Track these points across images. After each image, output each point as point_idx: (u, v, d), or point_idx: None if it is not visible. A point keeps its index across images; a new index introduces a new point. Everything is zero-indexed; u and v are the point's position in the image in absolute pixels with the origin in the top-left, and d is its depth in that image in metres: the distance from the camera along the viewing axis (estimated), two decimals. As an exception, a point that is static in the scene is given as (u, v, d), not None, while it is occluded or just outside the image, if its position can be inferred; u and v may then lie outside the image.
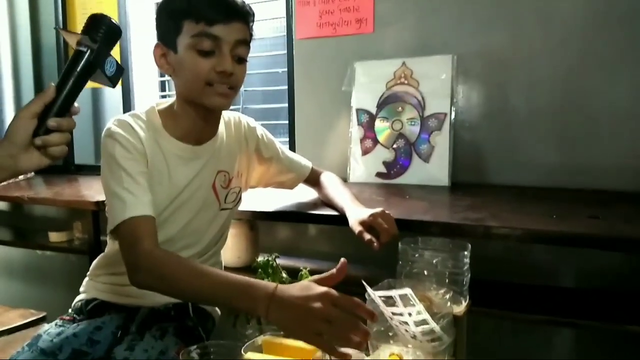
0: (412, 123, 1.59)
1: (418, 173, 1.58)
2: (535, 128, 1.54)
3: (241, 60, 1.14)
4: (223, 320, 1.35)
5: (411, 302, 0.94)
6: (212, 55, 1.10)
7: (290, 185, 1.47)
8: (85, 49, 0.86)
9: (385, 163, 1.63)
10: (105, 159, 1.12)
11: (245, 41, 1.14)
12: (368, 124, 1.67)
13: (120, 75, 0.92)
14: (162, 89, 2.44)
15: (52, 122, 0.84)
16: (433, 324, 0.94)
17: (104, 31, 0.87)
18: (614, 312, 1.23)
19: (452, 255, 1.08)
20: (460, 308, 1.07)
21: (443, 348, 0.96)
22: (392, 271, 1.10)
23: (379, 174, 1.64)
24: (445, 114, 1.55)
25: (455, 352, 1.00)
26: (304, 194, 1.51)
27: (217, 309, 1.34)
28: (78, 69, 0.86)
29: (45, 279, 2.52)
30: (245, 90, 2.19)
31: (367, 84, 1.68)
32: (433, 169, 1.55)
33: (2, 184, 2.17)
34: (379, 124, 1.65)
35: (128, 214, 1.05)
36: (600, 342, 1.45)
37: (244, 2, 1.14)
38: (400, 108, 1.62)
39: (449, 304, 1.00)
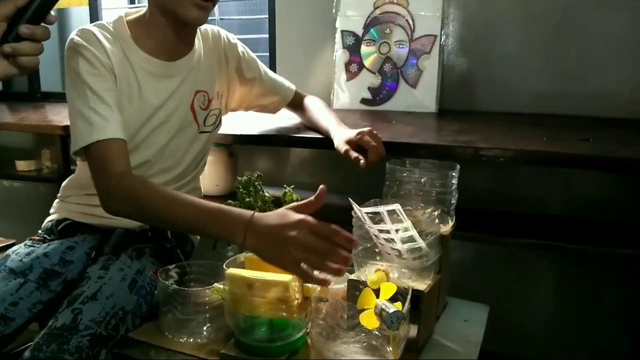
0: (400, 46, 1.52)
1: (405, 99, 1.52)
2: (529, 55, 1.48)
3: None
4: (202, 244, 1.31)
5: (399, 218, 0.91)
6: None
7: (273, 109, 1.40)
8: None
9: (370, 89, 1.57)
10: (69, 74, 1.03)
11: None
12: (354, 47, 1.59)
13: None
14: (132, 1, 2.27)
15: (24, 28, 0.74)
16: (419, 241, 0.92)
17: None
18: (600, 236, 1.23)
19: (440, 174, 1.06)
20: (446, 227, 1.05)
21: (428, 264, 0.95)
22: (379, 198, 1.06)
23: (364, 100, 1.58)
24: (435, 37, 1.48)
25: (440, 270, 0.99)
26: (286, 118, 1.44)
27: (195, 232, 1.29)
28: None
29: (14, 209, 2.44)
30: (221, 19, 2.06)
31: (354, 4, 1.58)
32: (420, 94, 1.50)
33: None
34: (365, 47, 1.57)
35: (96, 137, 0.98)
36: (584, 267, 1.47)
37: None
38: (388, 30, 1.54)
39: (436, 221, 0.97)
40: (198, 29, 1.19)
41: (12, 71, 0.77)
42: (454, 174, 1.07)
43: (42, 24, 0.77)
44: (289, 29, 1.78)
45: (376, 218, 0.91)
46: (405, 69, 1.52)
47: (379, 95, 1.55)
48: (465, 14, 1.53)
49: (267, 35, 1.84)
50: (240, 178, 1.10)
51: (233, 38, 1.28)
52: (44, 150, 2.04)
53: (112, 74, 1.05)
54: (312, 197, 0.84)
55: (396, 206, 0.89)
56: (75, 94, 1.01)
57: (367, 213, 0.91)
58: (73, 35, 1.04)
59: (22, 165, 2.03)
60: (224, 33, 1.27)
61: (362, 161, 1.07)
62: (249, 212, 0.86)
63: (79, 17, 2.25)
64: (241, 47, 1.29)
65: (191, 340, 0.95)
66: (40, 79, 2.38)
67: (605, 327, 1.47)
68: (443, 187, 1.05)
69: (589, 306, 1.49)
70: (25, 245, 1.15)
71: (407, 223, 0.91)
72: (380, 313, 0.77)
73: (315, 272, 0.80)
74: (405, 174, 1.06)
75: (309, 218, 0.80)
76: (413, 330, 0.90)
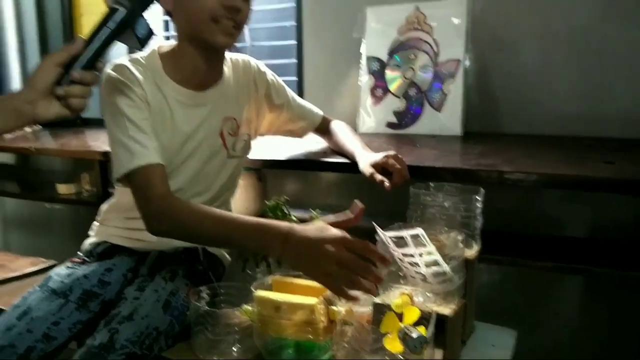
0: (425, 70, 1.55)
1: (430, 122, 1.54)
2: (552, 76, 1.49)
3: None
4: (233, 266, 1.35)
5: (422, 243, 0.93)
6: None
7: (301, 134, 1.45)
8: (120, 7, 0.87)
9: (396, 113, 1.60)
10: (107, 107, 1.10)
11: None
12: (379, 72, 1.62)
13: (150, 38, 0.92)
14: (166, 28, 2.37)
15: (76, 73, 0.84)
16: (444, 265, 0.94)
17: None
18: (627, 258, 1.22)
19: (464, 198, 1.07)
20: (471, 251, 1.06)
21: (453, 289, 0.96)
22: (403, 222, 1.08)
23: (389, 124, 1.61)
24: (459, 61, 1.50)
25: (465, 295, 1.00)
26: (312, 143, 1.48)
27: (226, 255, 1.34)
28: (110, 26, 0.87)
29: (54, 231, 2.55)
30: (252, 45, 2.13)
31: (379, 30, 1.63)
32: (445, 118, 1.52)
33: (16, 133, 2.17)
34: (390, 72, 1.61)
35: (136, 163, 1.04)
36: (611, 290, 1.45)
37: None
38: (412, 55, 1.57)
39: (460, 245, 0.99)
40: (228, 58, 1.24)
41: (63, 112, 0.85)
42: (478, 197, 1.08)
43: (93, 70, 0.85)
44: (316, 54, 1.84)
45: (400, 242, 0.94)
46: (430, 93, 1.54)
47: (404, 119, 1.58)
48: (489, 38, 1.55)
49: (295, 61, 1.90)
50: (268, 202, 1.14)
51: (262, 66, 1.33)
52: (84, 174, 2.13)
53: (146, 104, 1.11)
54: (351, 214, 0.88)
55: (419, 230, 0.91)
56: (114, 125, 1.08)
57: (390, 237, 0.94)
58: (108, 70, 1.10)
59: (62, 188, 2.13)
60: (254, 62, 1.32)
61: (386, 184, 1.10)
62: (286, 224, 0.90)
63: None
64: (270, 75, 1.34)
65: (220, 360, 0.98)
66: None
67: (634, 351, 1.44)
68: (467, 212, 1.06)
69: (616, 329, 1.46)
70: (66, 266, 1.21)
71: (431, 247, 0.93)
72: (403, 337, 0.78)
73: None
74: (429, 198, 1.07)
75: (346, 235, 0.84)
76: (438, 354, 0.91)
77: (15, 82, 2.74)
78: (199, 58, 1.15)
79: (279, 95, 1.35)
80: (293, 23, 1.89)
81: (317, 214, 1.10)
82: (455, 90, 1.51)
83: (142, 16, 0.90)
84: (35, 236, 2.65)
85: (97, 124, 2.40)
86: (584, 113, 1.46)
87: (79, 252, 1.27)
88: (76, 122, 2.50)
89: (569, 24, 1.47)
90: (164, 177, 1.06)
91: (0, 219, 2.71)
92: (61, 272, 1.18)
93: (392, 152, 1.16)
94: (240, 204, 1.63)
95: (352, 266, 0.82)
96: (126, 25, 0.88)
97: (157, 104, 1.13)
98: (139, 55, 1.16)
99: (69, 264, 1.22)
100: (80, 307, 1.12)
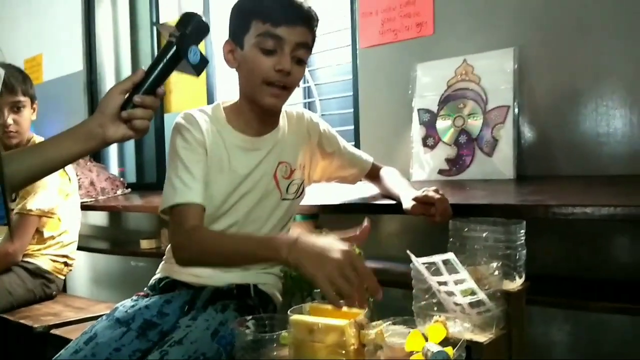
0: (474, 118, 1.58)
1: (481, 167, 1.55)
2: (605, 116, 1.46)
3: (300, 62, 1.23)
4: (284, 306, 1.39)
5: (455, 269, 0.93)
6: (274, 54, 1.19)
7: (352, 180, 1.51)
8: (174, 40, 1.00)
9: (447, 160, 1.62)
10: (170, 148, 1.25)
11: (307, 44, 1.23)
12: (429, 122, 1.68)
13: (204, 66, 1.05)
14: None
15: (137, 98, 0.97)
16: (479, 292, 0.92)
17: (193, 26, 1.00)
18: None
19: (505, 229, 1.06)
20: (514, 284, 1.03)
21: (490, 318, 0.93)
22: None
23: (441, 171, 1.63)
24: (509, 107, 1.52)
25: (509, 328, 0.96)
26: (363, 189, 1.53)
27: (277, 294, 1.38)
28: (166, 56, 0.99)
29: (137, 285, 2.73)
30: (322, 115, 2.31)
31: (429, 84, 1.70)
32: (497, 162, 1.52)
33: (108, 194, 2.41)
34: (440, 122, 1.66)
35: (177, 200, 1.17)
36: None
37: (310, 8, 1.23)
38: (461, 104, 1.62)
39: (496, 273, 0.97)
40: (284, 111, 1.37)
41: (129, 133, 0.98)
42: (519, 229, 1.06)
43: (153, 95, 0.98)
44: (370, 107, 1.94)
45: (432, 268, 0.94)
46: (480, 139, 1.56)
47: (455, 165, 1.60)
48: (538, 83, 1.56)
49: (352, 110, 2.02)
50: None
51: (315, 117, 1.44)
52: (163, 229, 2.32)
53: (203, 149, 1.24)
54: (358, 232, 0.93)
55: (450, 255, 0.92)
56: (170, 164, 1.23)
57: (423, 263, 0.95)
58: (178, 117, 1.26)
59: (145, 243, 2.32)
60: (307, 114, 1.43)
61: (428, 216, 1.13)
62: (295, 235, 0.99)
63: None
64: (323, 125, 1.44)
65: (262, 386, 1.01)
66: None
67: None
68: (508, 242, 1.05)
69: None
70: (131, 299, 1.32)
71: (464, 273, 0.92)
72: (426, 354, 0.78)
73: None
74: (468, 230, 1.07)
75: (354, 252, 0.91)
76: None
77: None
78: (254, 113, 1.28)
79: (330, 143, 1.44)
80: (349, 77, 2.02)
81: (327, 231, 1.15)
82: (505, 135, 1.52)
83: (196, 47, 1.01)
84: (121, 290, 2.86)
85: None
86: (638, 151, 1.40)
87: (145, 288, 1.38)
88: (162, 186, 2.75)
89: (619, 62, 1.45)
90: (198, 215, 1.18)
91: (91, 275, 2.96)
92: (126, 303, 1.29)
93: (432, 187, 1.18)
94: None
95: (351, 280, 0.88)
96: (180, 55, 0.99)
97: (216, 149, 1.26)
98: (206, 107, 1.32)
99: (135, 297, 1.33)
100: (140, 335, 1.20)
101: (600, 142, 1.46)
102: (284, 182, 1.34)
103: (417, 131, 1.70)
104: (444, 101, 1.66)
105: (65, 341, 1.69)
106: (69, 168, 2.17)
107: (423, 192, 1.18)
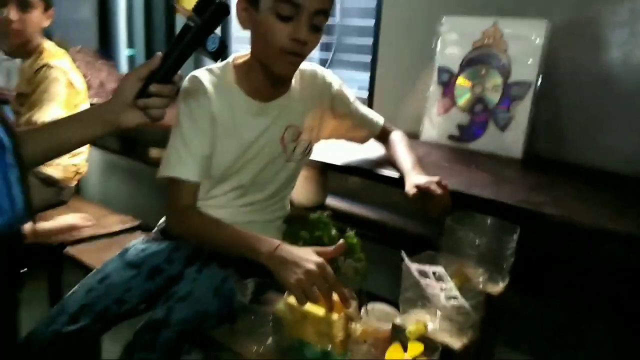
0: (494, 89, 1.54)
1: (491, 141, 1.54)
2: (628, 110, 1.42)
3: (317, 29, 1.17)
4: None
5: (443, 280, 0.99)
6: (290, 21, 1.14)
7: (361, 141, 1.53)
8: (192, 24, 0.95)
9: (459, 126, 1.61)
10: (177, 109, 1.25)
11: (325, 11, 1.17)
12: (448, 83, 1.63)
13: (222, 51, 1.02)
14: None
15: (153, 87, 0.96)
16: (462, 301, 1.00)
17: (212, 10, 0.94)
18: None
19: (499, 236, 1.10)
20: (496, 288, 1.10)
21: (470, 325, 1.02)
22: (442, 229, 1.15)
23: (451, 137, 1.63)
24: (531, 83, 1.47)
25: (485, 330, 1.05)
26: (372, 150, 1.54)
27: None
28: (183, 42, 0.96)
29: (143, 189, 2.85)
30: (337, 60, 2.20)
31: (453, 42, 1.62)
32: (508, 139, 1.51)
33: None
34: (459, 85, 1.61)
35: (170, 173, 1.24)
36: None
37: None
38: (483, 71, 1.56)
39: (482, 278, 1.03)
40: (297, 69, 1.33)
41: (144, 121, 0.99)
42: (513, 237, 1.11)
43: (170, 83, 0.97)
44: (390, 57, 1.87)
45: (423, 274, 1.01)
46: (497, 112, 1.54)
47: (466, 133, 1.60)
48: (563, 64, 1.50)
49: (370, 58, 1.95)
50: (311, 216, 1.25)
51: (329, 77, 1.41)
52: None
53: (208, 115, 1.24)
54: (332, 248, 1.07)
55: (440, 269, 0.97)
56: (173, 129, 1.26)
57: (415, 269, 1.01)
58: (185, 80, 1.25)
59: (154, 152, 2.38)
60: (321, 73, 1.40)
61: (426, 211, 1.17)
62: (276, 242, 1.08)
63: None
64: (336, 85, 1.41)
65: (254, 348, 1.13)
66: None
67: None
68: (499, 250, 1.10)
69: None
70: (142, 241, 1.41)
71: (451, 284, 0.99)
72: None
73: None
74: (461, 233, 1.12)
75: (328, 266, 1.01)
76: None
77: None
78: (265, 77, 1.26)
79: (342, 105, 1.42)
80: (372, 21, 1.92)
81: (352, 234, 1.21)
82: (522, 112, 1.49)
83: (213, 32, 0.98)
84: (129, 190, 2.98)
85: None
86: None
87: (155, 229, 1.47)
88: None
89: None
90: (192, 193, 1.26)
91: (101, 170, 3.06)
92: (138, 246, 1.38)
93: (436, 178, 1.20)
94: (303, 194, 1.75)
95: (320, 288, 0.98)
96: (198, 41, 0.96)
97: (223, 113, 1.26)
98: (216, 65, 1.29)
99: (145, 239, 1.42)
100: (148, 278, 1.31)
101: (617, 137, 1.44)
102: (291, 145, 1.36)
103: (434, 90, 1.67)
104: (466, 64, 1.60)
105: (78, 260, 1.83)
106: (75, 76, 2.13)
107: (427, 181, 1.20)
